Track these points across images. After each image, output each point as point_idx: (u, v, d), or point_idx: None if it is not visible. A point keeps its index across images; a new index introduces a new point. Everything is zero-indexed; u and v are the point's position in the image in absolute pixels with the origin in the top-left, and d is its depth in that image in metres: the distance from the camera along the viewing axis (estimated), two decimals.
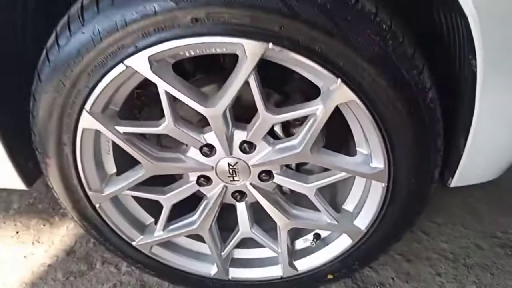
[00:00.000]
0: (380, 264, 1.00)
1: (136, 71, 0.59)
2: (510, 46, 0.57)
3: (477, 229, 1.10)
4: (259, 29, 0.55)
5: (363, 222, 0.76)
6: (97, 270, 1.03)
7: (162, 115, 0.65)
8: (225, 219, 0.84)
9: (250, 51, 0.56)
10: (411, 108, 0.62)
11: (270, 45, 0.55)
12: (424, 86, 0.61)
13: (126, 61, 0.58)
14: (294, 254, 0.86)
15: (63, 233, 1.14)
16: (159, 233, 0.81)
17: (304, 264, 0.85)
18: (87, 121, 0.65)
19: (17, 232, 1.15)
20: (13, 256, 1.08)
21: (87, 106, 0.63)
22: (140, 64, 0.58)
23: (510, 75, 0.60)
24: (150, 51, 0.57)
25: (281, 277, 0.87)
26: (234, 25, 0.55)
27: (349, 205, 0.79)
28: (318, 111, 0.62)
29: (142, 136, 0.71)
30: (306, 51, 0.56)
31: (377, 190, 0.72)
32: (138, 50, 0.57)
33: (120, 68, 0.59)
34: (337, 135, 0.77)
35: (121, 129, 0.66)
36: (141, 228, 0.83)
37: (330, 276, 0.86)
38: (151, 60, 0.58)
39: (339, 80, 0.58)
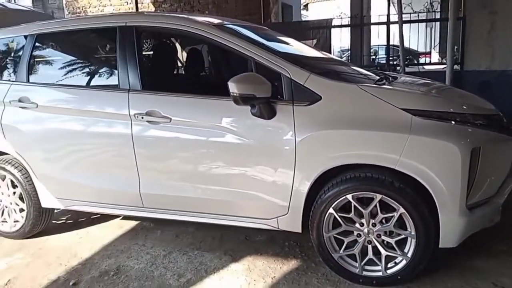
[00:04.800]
0: None
1: (348, 198, 2.37)
2: None
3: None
4: (381, 192, 2.31)
5: (411, 253, 2.35)
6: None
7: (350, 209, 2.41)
8: (363, 252, 2.50)
9: (377, 198, 2.32)
10: (421, 215, 2.28)
11: (383, 196, 2.31)
12: (424, 209, 2.27)
13: (347, 196, 2.37)
14: (387, 268, 2.45)
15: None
16: (340, 253, 2.49)
17: (390, 271, 2.43)
18: (330, 212, 2.42)
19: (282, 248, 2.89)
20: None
21: (333, 206, 2.41)
22: (349, 197, 2.37)
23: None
24: (353, 193, 2.35)
25: (381, 276, 2.46)
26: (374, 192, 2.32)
27: (406, 248, 2.38)
28: (395, 215, 2.32)
29: (344, 218, 2.45)
30: (394, 199, 2.30)
31: (413, 241, 2.33)
32: (350, 193, 2.36)
33: (344, 198, 2.38)
34: (400, 223, 2.42)
35: (339, 214, 2.42)
36: (335, 249, 2.52)
37: (399, 277, 2.43)
38: (353, 196, 2.36)
39: (401, 207, 2.29)
